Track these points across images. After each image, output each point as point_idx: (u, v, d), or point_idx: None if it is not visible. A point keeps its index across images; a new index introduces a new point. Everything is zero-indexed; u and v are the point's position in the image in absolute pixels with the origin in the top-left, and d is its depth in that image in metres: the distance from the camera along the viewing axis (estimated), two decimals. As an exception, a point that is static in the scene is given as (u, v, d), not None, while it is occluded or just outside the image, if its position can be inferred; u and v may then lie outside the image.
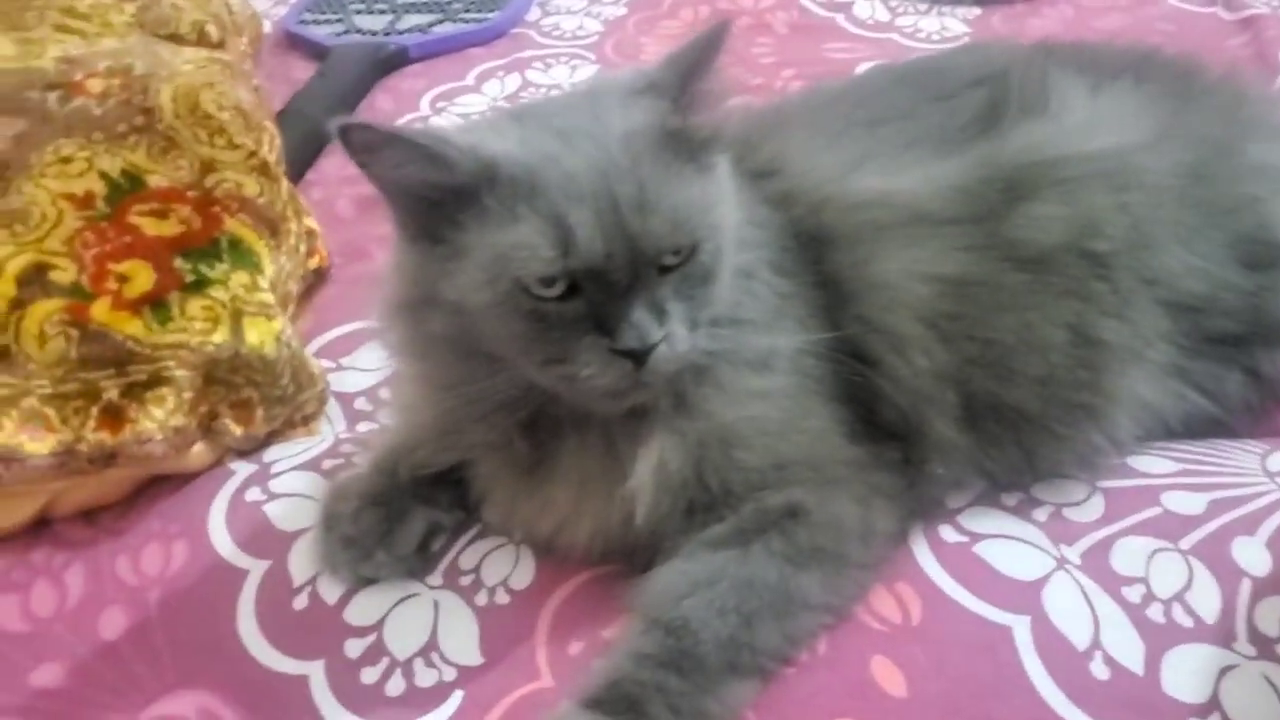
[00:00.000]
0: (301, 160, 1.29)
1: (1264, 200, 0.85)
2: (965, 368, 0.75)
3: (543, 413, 0.73)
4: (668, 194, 0.66)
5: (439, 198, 0.66)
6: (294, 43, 1.68)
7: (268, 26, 1.68)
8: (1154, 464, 0.81)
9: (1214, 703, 0.65)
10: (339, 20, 1.70)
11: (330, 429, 0.95)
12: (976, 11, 1.66)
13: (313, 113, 1.35)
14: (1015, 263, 0.76)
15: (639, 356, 0.65)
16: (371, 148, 0.64)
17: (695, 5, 1.71)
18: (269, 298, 0.92)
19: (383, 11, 1.72)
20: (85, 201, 0.88)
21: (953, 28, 1.63)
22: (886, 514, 0.73)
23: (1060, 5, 1.65)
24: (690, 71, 0.69)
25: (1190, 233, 0.81)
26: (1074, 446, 0.78)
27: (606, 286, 0.65)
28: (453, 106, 1.47)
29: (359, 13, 1.72)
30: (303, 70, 1.57)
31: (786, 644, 0.68)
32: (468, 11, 1.71)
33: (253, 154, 0.98)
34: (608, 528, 0.73)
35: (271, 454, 0.91)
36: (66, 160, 0.90)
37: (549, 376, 0.67)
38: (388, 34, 1.66)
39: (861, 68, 1.46)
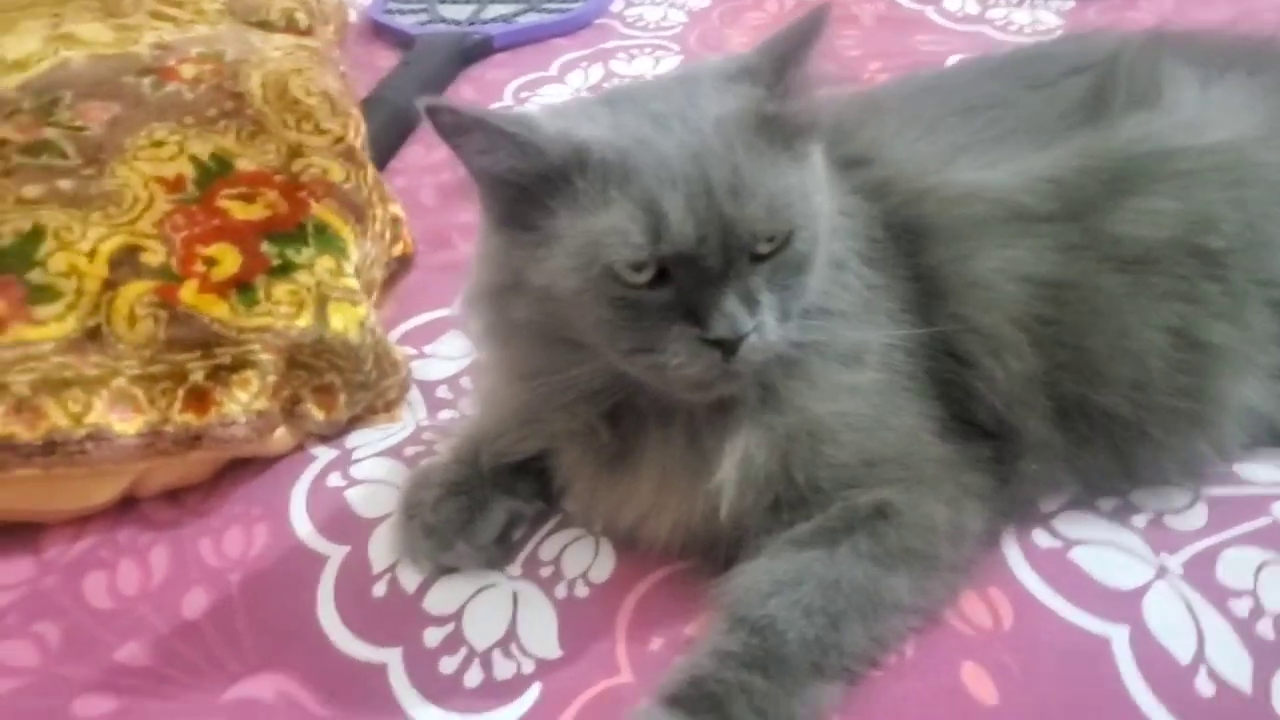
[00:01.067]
0: (386, 148, 1.31)
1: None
2: (1054, 372, 0.73)
3: (627, 403, 0.72)
4: (763, 179, 0.64)
5: (527, 183, 0.65)
6: (379, 32, 1.71)
7: (353, 15, 1.72)
8: (1262, 472, 0.79)
9: None
10: (424, 10, 1.73)
11: (412, 416, 0.96)
12: (1071, 3, 1.63)
13: (397, 101, 1.38)
14: (1115, 262, 0.74)
15: (729, 346, 0.64)
16: (459, 130, 0.64)
17: (780, -2, 1.70)
18: (354, 283, 0.92)
19: (468, 1, 1.74)
20: (176, 185, 0.91)
21: (1046, 20, 1.60)
22: (977, 515, 0.72)
23: (1160, -2, 1.61)
24: (787, 57, 0.67)
25: (1311, 233, 0.78)
26: (1175, 454, 0.76)
27: (698, 273, 0.64)
28: (536, 97, 1.48)
29: (444, 2, 1.75)
30: (387, 59, 1.60)
31: (874, 646, 0.67)
32: (552, 2, 1.72)
33: (339, 139, 1.00)
34: (690, 521, 0.72)
35: (353, 440, 0.92)
36: (159, 144, 0.93)
37: (636, 365, 0.66)
38: (472, 23, 1.68)
39: (951, 60, 1.44)
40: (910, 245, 0.75)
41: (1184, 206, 0.75)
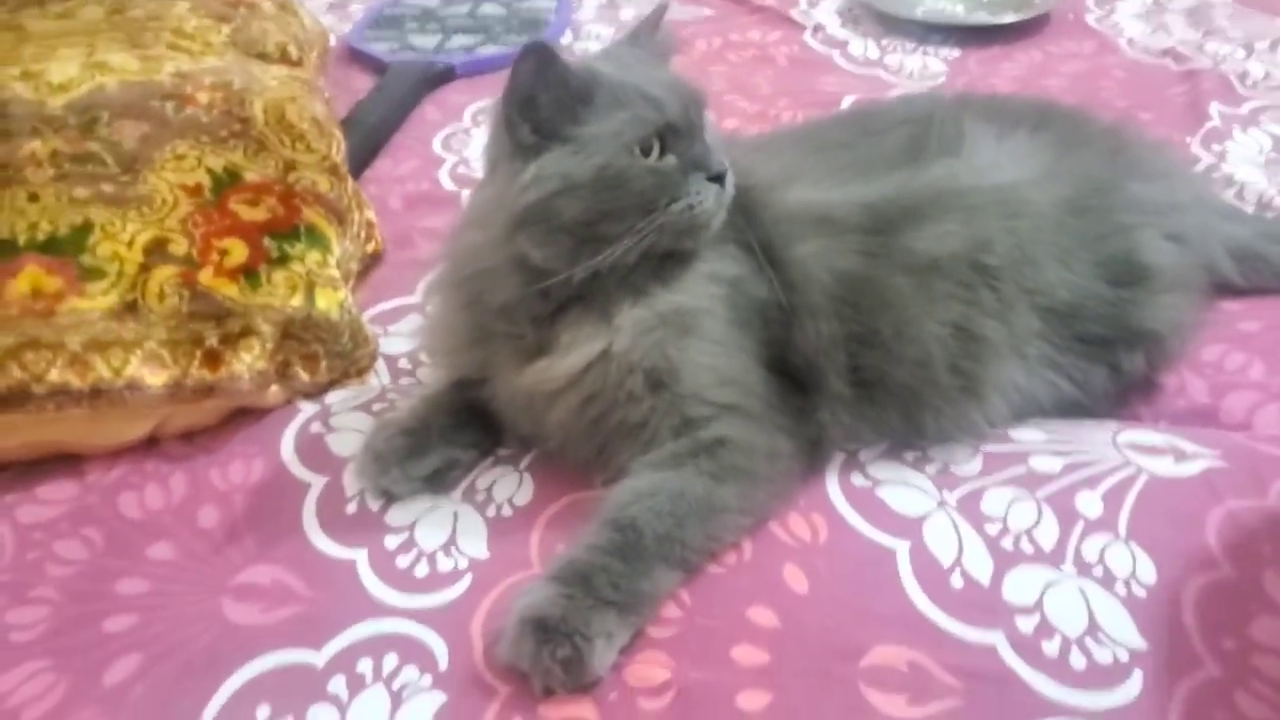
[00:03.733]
0: (361, 161, 1.48)
1: (1135, 229, 1.03)
2: (852, 343, 0.93)
3: (558, 308, 0.92)
4: (683, 78, 0.94)
5: (566, 104, 0.88)
6: (355, 56, 1.87)
7: (334, 41, 1.86)
8: (1028, 434, 0.99)
9: (1037, 605, 0.83)
10: (395, 39, 1.89)
11: (378, 381, 1.15)
12: (957, 53, 1.83)
13: (371, 121, 1.56)
14: (905, 268, 0.94)
15: (721, 179, 0.89)
16: (539, 64, 0.86)
17: (709, 38, 1.91)
18: (335, 273, 1.11)
19: (434, 32, 1.91)
20: (195, 191, 1.08)
21: (933, 66, 1.80)
22: (787, 443, 0.91)
23: (1031, 51, 1.82)
24: (648, 30, 0.99)
25: (1066, 253, 0.99)
26: (954, 418, 0.95)
27: (685, 136, 0.89)
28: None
29: (414, 32, 1.92)
30: (363, 82, 1.76)
31: (709, 542, 0.85)
32: (509, 34, 1.90)
33: (325, 157, 1.19)
34: (588, 363, 0.90)
35: (331, 398, 1.10)
36: (181, 158, 1.10)
37: (671, 215, 0.88)
38: (438, 52, 1.85)
39: (847, 99, 1.65)
40: (745, 220, 0.96)
41: (968, 230, 0.96)
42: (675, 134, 0.89)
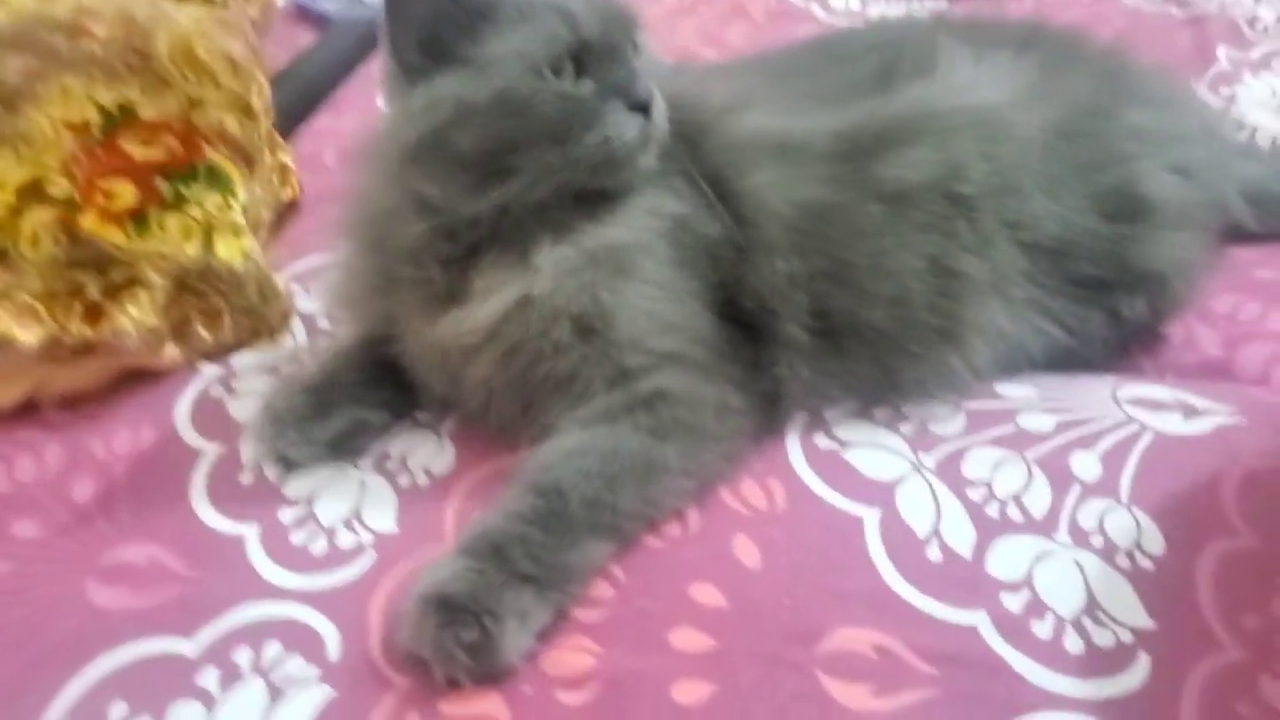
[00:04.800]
0: (296, 115, 1.40)
1: (1134, 158, 0.93)
2: (819, 281, 0.83)
3: (469, 249, 0.83)
4: None
5: (459, 19, 0.78)
6: (303, 15, 1.78)
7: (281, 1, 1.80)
8: (1016, 390, 0.90)
9: (1026, 580, 0.74)
10: None
11: (294, 342, 1.05)
12: (943, 3, 1.73)
13: (308, 74, 1.47)
14: (877, 196, 0.85)
15: (645, 108, 0.80)
16: None
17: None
18: (240, 219, 1.02)
19: None
20: (82, 128, 0.99)
21: (919, 17, 1.70)
22: (738, 397, 0.82)
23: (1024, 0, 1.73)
24: None
25: (1053, 183, 0.90)
26: (932, 366, 0.86)
27: (605, 57, 0.79)
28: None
29: None
30: (309, 41, 1.67)
31: (647, 507, 0.76)
32: None
33: (238, 96, 1.09)
34: (506, 311, 0.81)
35: (238, 360, 1.00)
36: (68, 92, 1.00)
37: (584, 147, 0.79)
38: None
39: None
40: (693, 148, 0.86)
41: (941, 156, 0.86)
42: (593, 55, 0.79)
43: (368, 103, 1.45)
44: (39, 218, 0.93)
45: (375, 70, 1.56)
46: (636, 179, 0.83)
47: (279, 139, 1.18)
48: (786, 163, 0.86)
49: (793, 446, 0.85)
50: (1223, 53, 1.49)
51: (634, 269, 0.81)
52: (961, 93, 0.90)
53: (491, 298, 0.81)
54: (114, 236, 0.94)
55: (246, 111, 1.08)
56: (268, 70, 1.22)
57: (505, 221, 0.81)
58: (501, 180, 0.79)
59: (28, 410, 0.95)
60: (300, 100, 1.42)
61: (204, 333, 0.98)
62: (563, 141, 0.78)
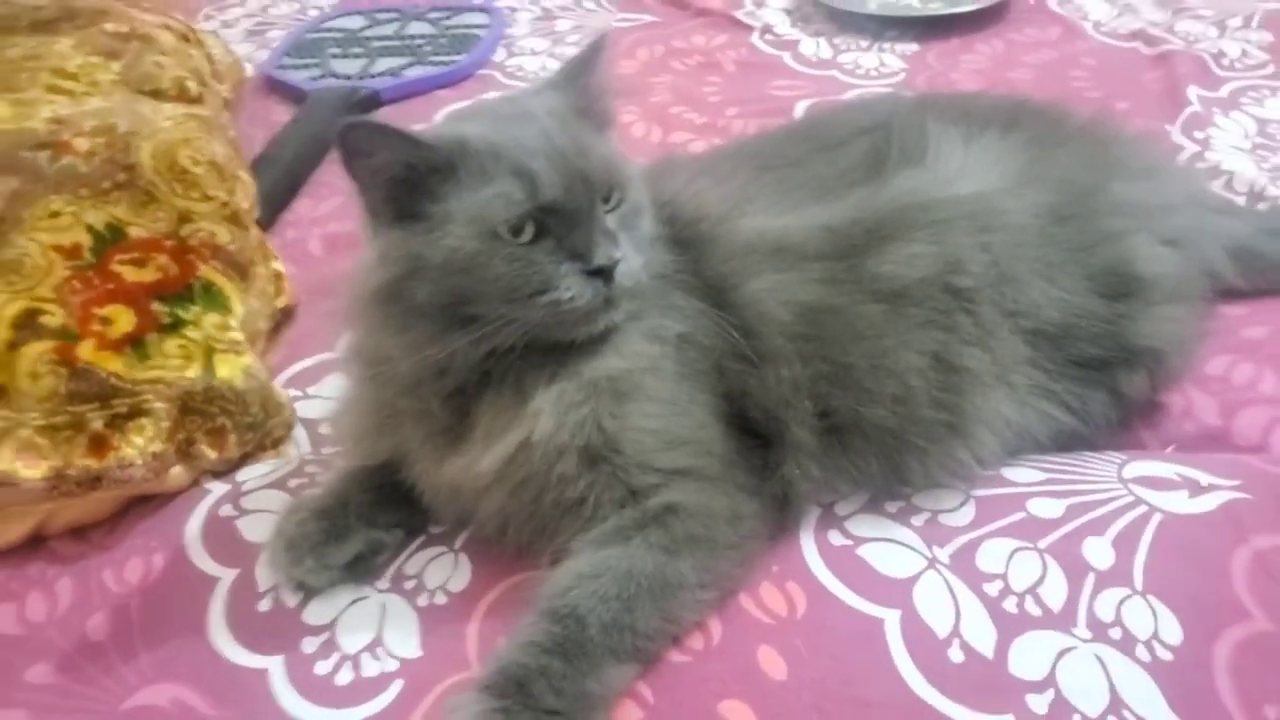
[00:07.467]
0: (278, 202, 1.39)
1: (1125, 235, 0.94)
2: (821, 383, 0.84)
3: (466, 384, 0.83)
4: (594, 145, 0.81)
5: (419, 179, 0.78)
6: (275, 87, 1.76)
7: (250, 70, 1.77)
8: (1023, 474, 0.90)
9: (1050, 679, 0.74)
10: (317, 64, 1.79)
11: (297, 452, 1.04)
12: (914, 48, 1.75)
13: (286, 157, 1.45)
14: (875, 295, 0.85)
15: (607, 274, 0.78)
16: (370, 141, 0.77)
17: (651, 45, 1.81)
18: (239, 336, 1.00)
19: (358, 56, 1.81)
20: (73, 252, 0.97)
21: (890, 64, 1.72)
22: (750, 504, 0.82)
23: (993, 41, 1.74)
24: (578, 72, 0.85)
25: (1050, 268, 0.90)
26: (940, 459, 0.86)
27: (568, 219, 0.78)
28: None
29: (335, 57, 1.81)
30: (282, 113, 1.65)
31: (666, 624, 0.76)
32: (438, 54, 1.80)
33: (225, 204, 1.07)
34: (510, 455, 0.81)
35: (243, 475, 0.99)
36: (56, 215, 0.98)
37: (536, 309, 0.78)
38: (362, 77, 1.74)
39: (801, 104, 1.56)
40: (694, 260, 0.87)
41: (938, 250, 0.87)
42: (554, 216, 0.79)
43: (347, 184, 1.46)
44: (36, 350, 0.91)
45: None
46: (620, 320, 0.83)
47: (269, 247, 1.16)
48: (783, 265, 0.86)
49: (808, 545, 0.85)
50: (1193, 92, 1.51)
51: (636, 390, 0.81)
52: (954, 182, 0.91)
53: (495, 444, 0.81)
54: (114, 365, 0.93)
55: (236, 220, 1.07)
56: (245, 161, 1.21)
57: (495, 361, 0.82)
58: (463, 328, 0.79)
59: (36, 544, 0.94)
60: (281, 187, 1.40)
61: (209, 451, 0.97)
62: (514, 300, 0.78)
